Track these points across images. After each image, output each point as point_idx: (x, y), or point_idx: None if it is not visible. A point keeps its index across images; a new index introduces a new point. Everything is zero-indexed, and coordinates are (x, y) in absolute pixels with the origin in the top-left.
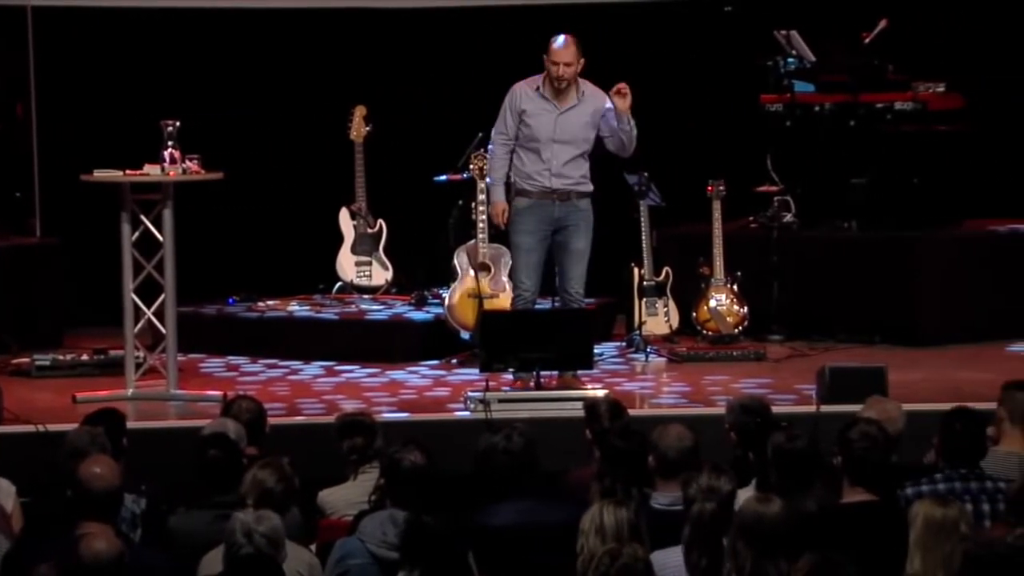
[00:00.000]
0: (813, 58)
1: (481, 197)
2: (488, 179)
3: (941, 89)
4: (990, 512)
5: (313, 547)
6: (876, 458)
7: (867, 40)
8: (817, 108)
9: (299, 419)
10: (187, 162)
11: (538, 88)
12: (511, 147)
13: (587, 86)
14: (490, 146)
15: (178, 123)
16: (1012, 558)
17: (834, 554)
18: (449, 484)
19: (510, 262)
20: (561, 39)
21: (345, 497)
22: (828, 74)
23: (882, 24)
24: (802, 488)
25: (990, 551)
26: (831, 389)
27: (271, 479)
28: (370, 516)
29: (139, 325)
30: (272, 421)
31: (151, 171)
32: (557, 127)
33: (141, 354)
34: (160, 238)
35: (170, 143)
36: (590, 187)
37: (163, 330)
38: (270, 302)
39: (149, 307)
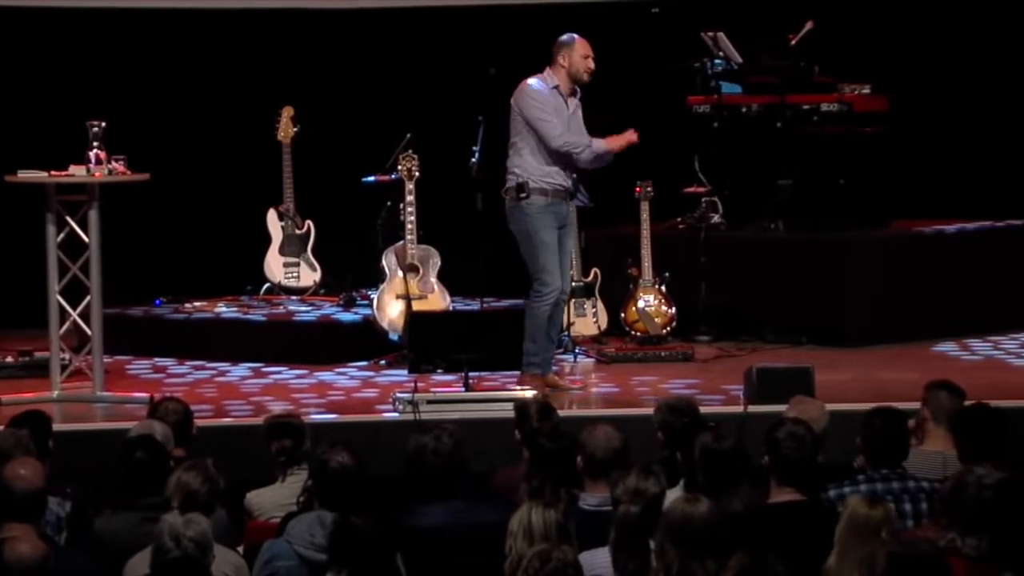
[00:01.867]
0: (740, 60)
1: (410, 199)
2: (592, 147)
3: (867, 91)
4: (912, 512)
5: (241, 549)
6: (803, 458)
7: (793, 42)
8: (744, 109)
9: (227, 421)
10: (113, 163)
11: (556, 87)
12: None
13: (579, 90)
14: (564, 133)
15: (104, 124)
16: (933, 560)
17: (764, 553)
18: (378, 485)
19: (439, 263)
20: (577, 36)
21: (273, 499)
22: (755, 76)
23: (808, 26)
24: (729, 488)
25: (913, 552)
26: (758, 389)
27: (196, 481)
28: (297, 518)
29: (65, 327)
30: (199, 423)
31: (76, 172)
32: (570, 126)
33: (67, 356)
34: (86, 239)
35: (96, 144)
36: None
37: (89, 332)
38: (197, 303)
39: (75, 309)
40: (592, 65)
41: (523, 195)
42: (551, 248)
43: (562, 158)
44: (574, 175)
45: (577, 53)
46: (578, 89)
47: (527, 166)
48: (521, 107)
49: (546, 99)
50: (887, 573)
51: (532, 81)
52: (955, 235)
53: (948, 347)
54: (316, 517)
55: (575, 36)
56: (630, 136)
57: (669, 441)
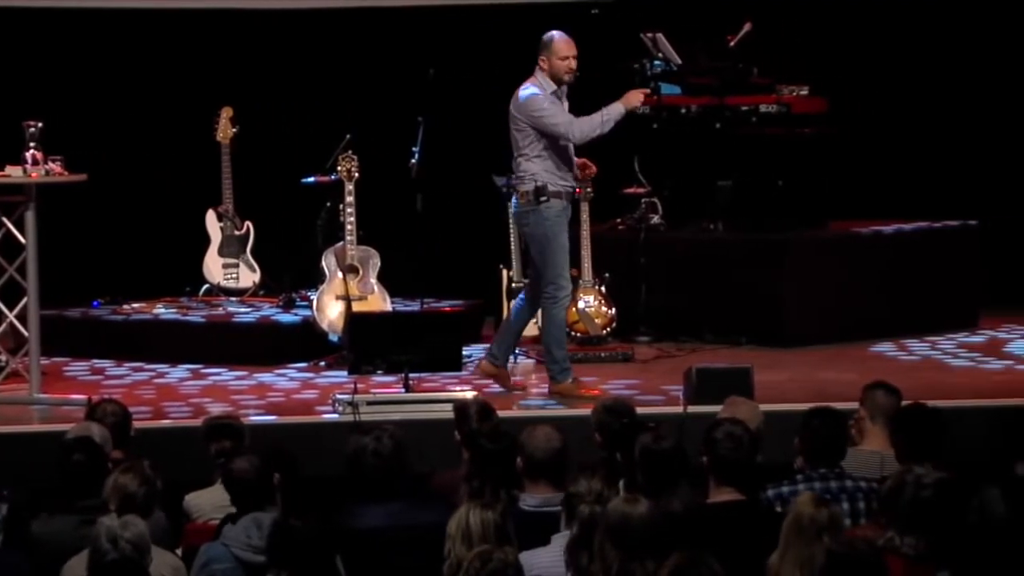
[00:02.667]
0: (679, 61)
1: (350, 199)
2: (606, 121)
3: (805, 92)
4: (850, 511)
5: (179, 551)
6: (741, 458)
7: (732, 43)
8: (683, 110)
9: (165, 423)
10: (50, 163)
11: (554, 91)
12: None
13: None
14: (574, 121)
15: (41, 124)
16: (871, 560)
17: (700, 552)
18: (317, 486)
19: (379, 264)
20: (562, 33)
21: (212, 501)
22: (694, 77)
23: (747, 27)
24: (669, 488)
25: (851, 551)
26: (698, 390)
27: (133, 483)
28: (233, 520)
29: (1, 328)
30: (138, 424)
31: (13, 172)
32: None
33: (3, 358)
34: (22, 240)
35: (32, 144)
36: None
37: (26, 333)
38: (136, 305)
39: (12, 310)
40: (573, 65)
41: (543, 199)
42: (567, 252)
43: (570, 159)
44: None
45: (555, 56)
46: (563, 87)
47: (544, 170)
48: (529, 120)
49: (548, 102)
50: (825, 572)
51: (531, 90)
52: (893, 236)
53: (886, 347)
54: (252, 519)
55: (554, 36)
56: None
57: (606, 442)
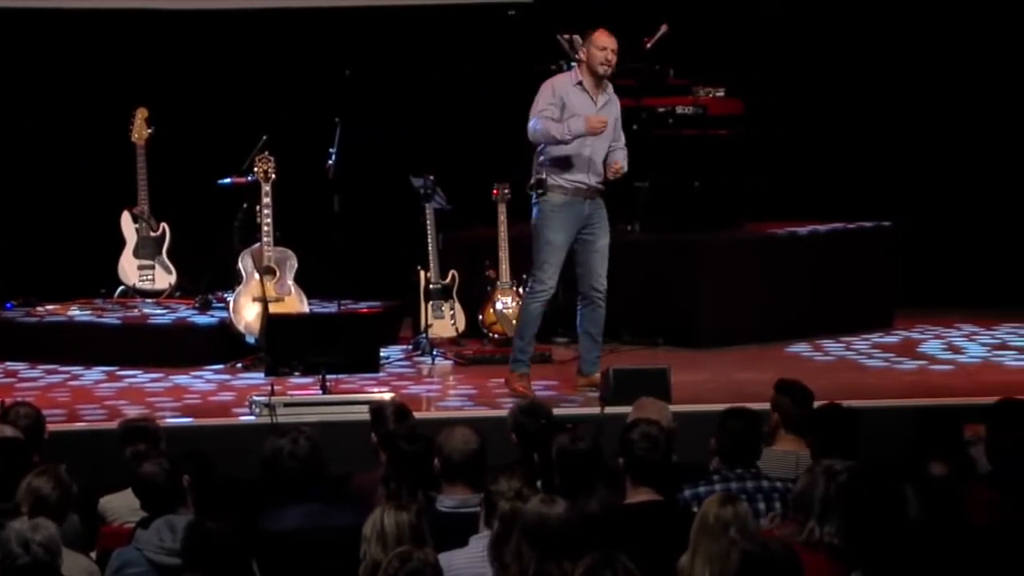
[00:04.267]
0: None
1: (266, 200)
2: (564, 133)
3: (721, 93)
4: (766, 511)
5: (94, 554)
6: (657, 458)
7: (648, 45)
8: None
9: (80, 425)
10: None
11: (579, 83)
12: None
13: (611, 86)
14: (534, 123)
15: None
16: (786, 559)
17: (613, 553)
18: (234, 488)
19: (295, 265)
20: (601, 28)
21: (126, 503)
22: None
23: (663, 29)
24: (586, 489)
25: (766, 551)
26: (615, 390)
27: (46, 486)
28: (145, 524)
29: None
30: (51, 427)
31: None
32: (607, 126)
33: None
34: None
35: None
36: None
37: None
38: (50, 307)
39: None
40: (610, 57)
41: (540, 191)
42: (556, 248)
43: (587, 158)
44: (599, 175)
45: (594, 45)
46: (608, 83)
47: (553, 161)
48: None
49: (556, 89)
50: (740, 572)
51: (551, 79)
52: (808, 237)
53: (801, 348)
54: (165, 522)
55: (596, 30)
56: (604, 121)
57: (522, 443)
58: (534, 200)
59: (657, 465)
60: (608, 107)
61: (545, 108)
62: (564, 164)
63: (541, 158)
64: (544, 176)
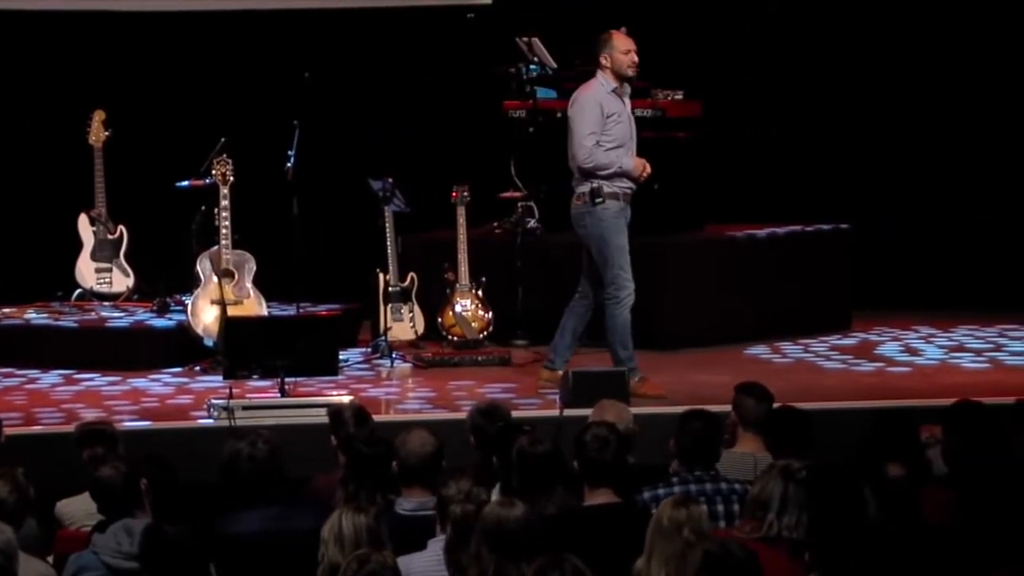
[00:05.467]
0: (554, 65)
1: (225, 203)
2: (616, 168)
3: (680, 96)
4: (724, 513)
5: (51, 558)
6: (609, 460)
7: None
8: (559, 114)
9: (37, 429)
10: None
11: (614, 89)
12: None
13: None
14: (593, 151)
15: None
16: (746, 560)
17: (565, 555)
18: (192, 492)
19: (254, 268)
20: (615, 31)
21: (83, 507)
22: (570, 81)
23: (621, 31)
24: (545, 491)
25: (726, 552)
26: (574, 393)
27: (4, 490)
28: (102, 528)
29: None
30: (9, 431)
31: None
32: (631, 127)
33: None
34: None
35: None
36: None
37: None
38: (6, 310)
39: None
40: (635, 59)
41: (599, 200)
42: (626, 251)
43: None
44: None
45: (617, 50)
46: (627, 84)
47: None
48: (571, 116)
49: (601, 101)
50: (701, 572)
51: (589, 92)
52: (767, 239)
53: (760, 350)
54: (122, 525)
55: (612, 33)
56: (647, 165)
57: (480, 445)
58: (588, 210)
59: (609, 466)
60: (630, 108)
61: (593, 131)
62: (616, 172)
63: (591, 166)
64: (597, 185)
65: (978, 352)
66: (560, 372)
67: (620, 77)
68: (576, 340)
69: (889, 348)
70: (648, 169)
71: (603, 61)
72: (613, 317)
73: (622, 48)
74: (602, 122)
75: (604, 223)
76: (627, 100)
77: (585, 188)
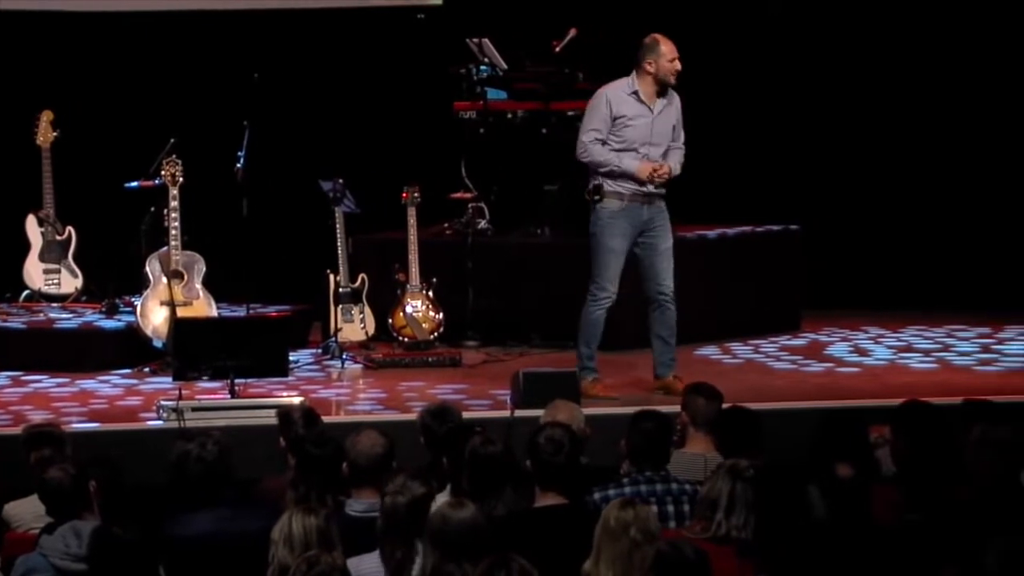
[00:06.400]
0: (505, 66)
1: (174, 204)
2: (614, 167)
3: None
4: (675, 513)
5: None
6: (562, 462)
7: (558, 49)
8: (510, 115)
9: None
10: None
11: (635, 92)
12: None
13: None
14: (588, 146)
15: None
16: (697, 561)
17: (511, 556)
18: (141, 494)
19: (204, 269)
20: (663, 35)
21: (32, 510)
22: (520, 82)
23: (572, 33)
24: (494, 492)
25: (677, 552)
26: (525, 394)
27: None
28: (50, 530)
29: None
30: None
31: None
32: (653, 131)
33: None
34: None
35: None
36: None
37: None
38: None
39: None
40: (679, 66)
41: (597, 198)
42: (615, 254)
43: (651, 159)
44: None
45: (664, 57)
46: (670, 89)
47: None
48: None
49: (609, 103)
50: (653, 572)
51: (604, 88)
52: (716, 240)
53: (710, 350)
54: (70, 527)
55: (658, 38)
56: (658, 169)
57: (430, 446)
58: (591, 206)
59: (562, 468)
60: (667, 111)
61: (597, 127)
62: (615, 172)
63: (586, 160)
64: (601, 182)
65: (926, 352)
66: (667, 379)
67: (661, 83)
68: (662, 341)
69: (838, 348)
70: (660, 172)
71: (647, 67)
72: (586, 314)
73: (669, 56)
74: (608, 121)
75: (600, 222)
76: (662, 105)
77: (590, 184)
